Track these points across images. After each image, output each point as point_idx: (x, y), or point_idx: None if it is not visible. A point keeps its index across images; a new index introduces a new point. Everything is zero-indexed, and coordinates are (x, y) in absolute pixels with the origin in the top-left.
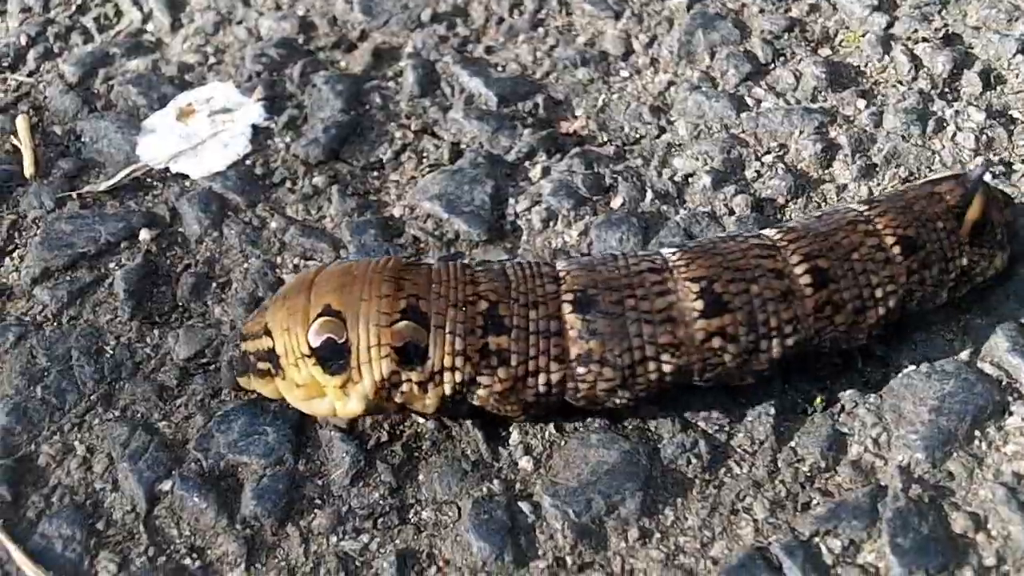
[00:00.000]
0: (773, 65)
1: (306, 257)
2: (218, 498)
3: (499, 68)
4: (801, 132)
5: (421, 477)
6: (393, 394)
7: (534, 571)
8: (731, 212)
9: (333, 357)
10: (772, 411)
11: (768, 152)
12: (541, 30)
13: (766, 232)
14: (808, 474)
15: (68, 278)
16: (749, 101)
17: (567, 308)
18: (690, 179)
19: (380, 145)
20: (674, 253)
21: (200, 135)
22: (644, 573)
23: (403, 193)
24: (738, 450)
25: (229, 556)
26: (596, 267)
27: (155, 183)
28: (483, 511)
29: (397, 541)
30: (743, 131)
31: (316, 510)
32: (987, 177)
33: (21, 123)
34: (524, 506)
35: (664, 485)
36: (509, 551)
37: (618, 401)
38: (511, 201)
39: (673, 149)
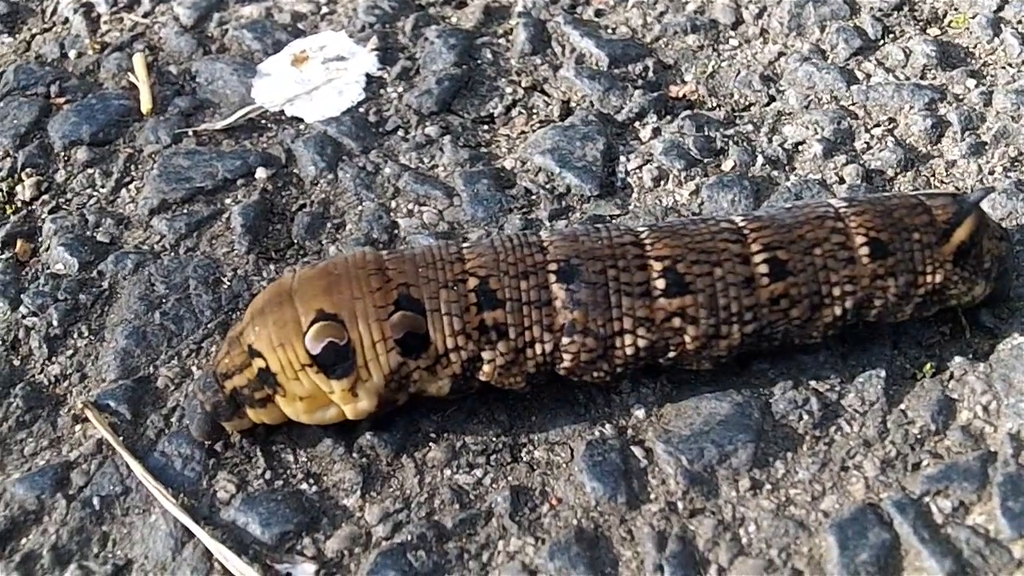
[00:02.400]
0: (882, 41)
1: (420, 203)
2: (336, 427)
3: (609, 31)
4: (911, 107)
5: (533, 418)
6: (405, 384)
7: (646, 514)
8: (841, 181)
9: (337, 361)
10: (883, 374)
11: (878, 125)
12: None
13: (735, 217)
14: (918, 436)
15: (186, 211)
16: (859, 75)
17: (552, 278)
18: (800, 147)
19: (491, 100)
20: (643, 231)
21: (314, 81)
22: (755, 522)
23: (514, 147)
24: (848, 410)
25: (345, 483)
26: (580, 238)
27: (270, 125)
28: (597, 453)
29: (510, 478)
30: (853, 103)
31: (431, 443)
32: (985, 205)
33: (138, 61)
34: (636, 451)
35: (775, 439)
36: (622, 493)
37: (596, 375)
38: (622, 159)
39: (783, 117)
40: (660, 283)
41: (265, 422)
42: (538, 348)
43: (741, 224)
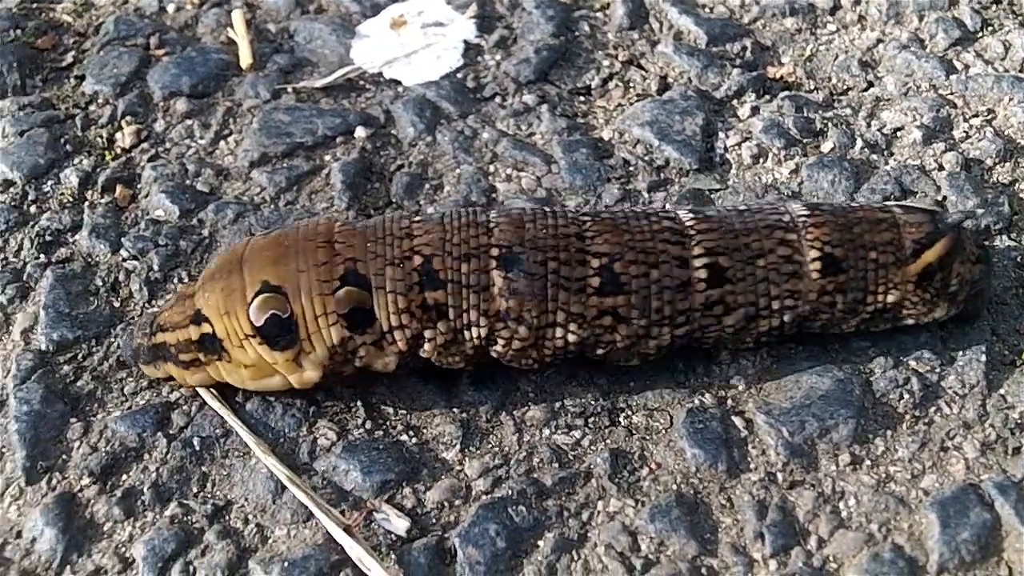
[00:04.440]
0: (981, 34)
1: (518, 168)
2: (436, 383)
3: (707, 9)
4: (1010, 99)
5: (632, 383)
6: (351, 359)
7: (745, 483)
8: (940, 168)
9: (280, 333)
10: (983, 359)
11: (976, 115)
12: None
13: (681, 214)
14: (1018, 421)
15: (286, 165)
16: (957, 65)
17: (492, 263)
18: (899, 132)
19: (587, 71)
20: (587, 220)
21: (412, 45)
22: (855, 496)
23: (611, 118)
24: (948, 391)
25: (445, 437)
26: (526, 223)
27: (368, 86)
28: (698, 421)
29: (608, 440)
30: (951, 93)
31: (530, 403)
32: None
33: (237, 17)
34: (737, 421)
35: (875, 416)
36: (723, 461)
37: (524, 362)
38: (720, 135)
39: (881, 103)
40: (595, 281)
41: (187, 383)
42: (475, 331)
43: (688, 222)
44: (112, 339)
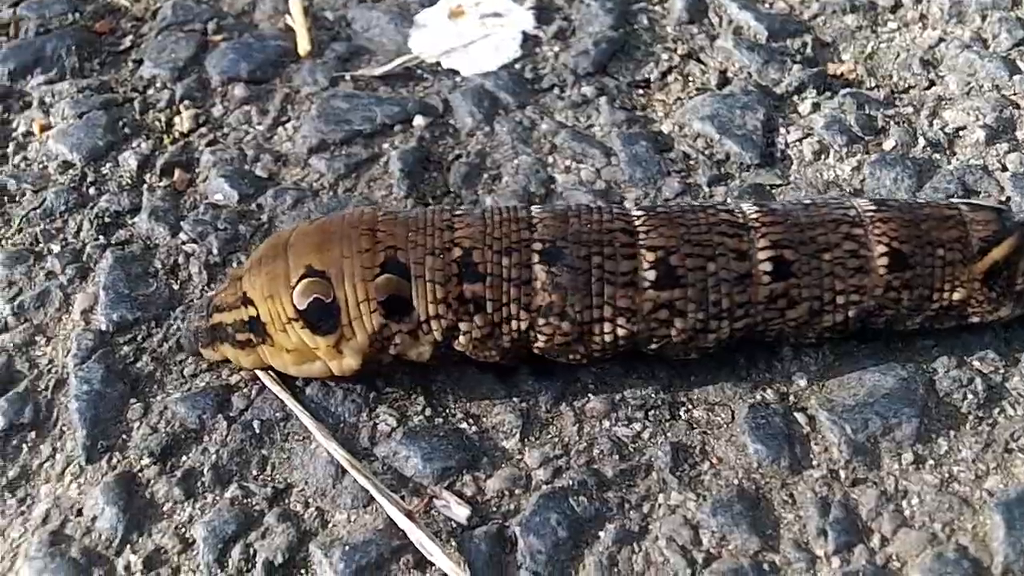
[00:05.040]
0: None
1: (577, 160)
2: (496, 372)
3: (767, 5)
4: None
5: (692, 377)
6: (388, 346)
7: (808, 479)
8: (1004, 168)
9: (323, 317)
10: None
11: None
12: None
13: (744, 207)
14: None
15: (344, 152)
16: (1021, 65)
17: (535, 258)
18: (961, 132)
19: (646, 64)
20: (640, 215)
21: (470, 35)
22: (918, 495)
23: (670, 111)
24: (1012, 393)
25: (505, 426)
26: (570, 218)
27: (426, 75)
28: (760, 416)
29: (669, 434)
30: (1015, 93)
31: (590, 395)
32: None
33: (295, 4)
34: (799, 417)
35: (938, 416)
36: (785, 457)
37: (571, 357)
38: (781, 131)
39: (943, 102)
40: (651, 275)
41: (241, 363)
42: (513, 325)
43: (751, 215)
44: (171, 321)
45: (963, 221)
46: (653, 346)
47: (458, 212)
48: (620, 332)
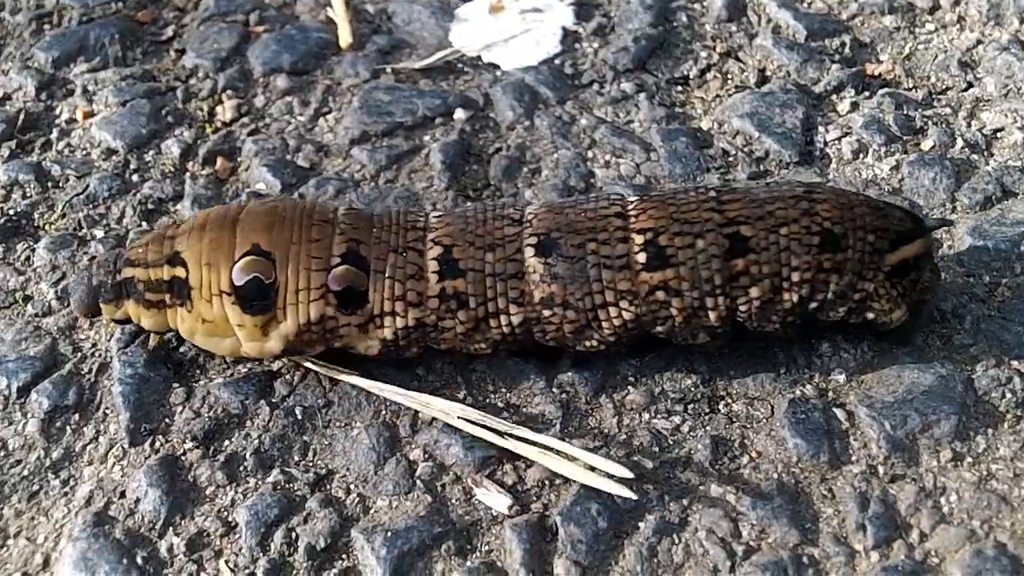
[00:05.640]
0: None
1: (617, 155)
2: (537, 362)
3: (805, 4)
4: None
5: (732, 372)
6: (329, 337)
7: (847, 474)
8: None
9: (257, 297)
10: None
11: None
12: None
13: (707, 183)
14: None
15: (386, 143)
16: None
17: (529, 252)
18: (999, 133)
19: (685, 62)
20: (632, 200)
21: (511, 30)
22: (956, 492)
23: (709, 108)
24: None
25: (546, 416)
26: (564, 210)
27: (467, 69)
28: (800, 411)
29: (708, 427)
30: None
31: (629, 387)
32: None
33: None
34: (839, 413)
35: (976, 414)
36: (824, 452)
37: (588, 344)
38: (820, 129)
39: (981, 103)
40: (641, 257)
41: (141, 322)
42: (503, 319)
43: (713, 194)
44: None
45: (887, 214)
46: (659, 328)
47: (434, 214)
48: (626, 316)
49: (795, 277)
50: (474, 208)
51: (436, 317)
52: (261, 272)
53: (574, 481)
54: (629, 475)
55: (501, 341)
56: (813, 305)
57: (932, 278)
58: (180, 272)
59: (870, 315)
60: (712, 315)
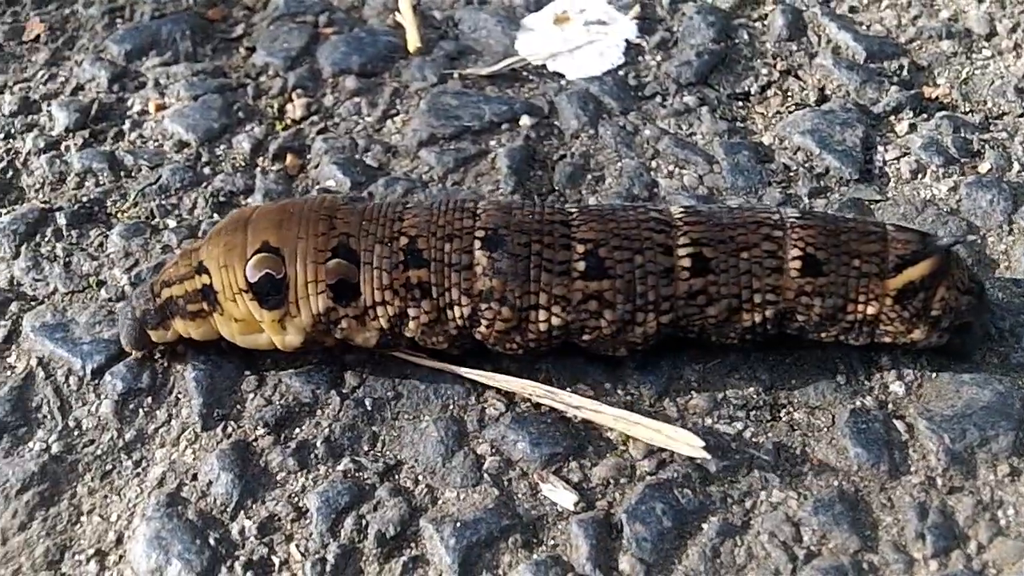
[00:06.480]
0: None
1: (680, 166)
2: (602, 363)
3: (864, 27)
4: None
5: (794, 381)
6: (333, 330)
7: (906, 484)
8: None
9: (270, 292)
10: None
11: None
12: (903, 0)
13: (672, 208)
14: None
15: (453, 146)
16: None
17: (477, 244)
18: None
19: (746, 78)
20: (573, 211)
21: (575, 41)
22: (1013, 506)
23: (770, 124)
24: None
25: None
26: (513, 210)
27: (532, 77)
28: (861, 421)
29: (770, 434)
30: None
31: (693, 392)
32: (962, 253)
33: (404, 1)
34: (899, 424)
35: None
36: (885, 462)
37: (508, 346)
38: (879, 148)
39: None
40: (580, 265)
41: (191, 335)
42: (457, 311)
43: (676, 215)
44: None
45: (884, 238)
46: (586, 338)
47: (409, 206)
48: (555, 321)
49: (757, 299)
50: (439, 200)
51: (405, 306)
52: (272, 268)
53: (639, 481)
54: (702, 444)
55: (457, 336)
56: (795, 326)
57: (962, 297)
58: (206, 279)
59: (886, 338)
60: (639, 330)
